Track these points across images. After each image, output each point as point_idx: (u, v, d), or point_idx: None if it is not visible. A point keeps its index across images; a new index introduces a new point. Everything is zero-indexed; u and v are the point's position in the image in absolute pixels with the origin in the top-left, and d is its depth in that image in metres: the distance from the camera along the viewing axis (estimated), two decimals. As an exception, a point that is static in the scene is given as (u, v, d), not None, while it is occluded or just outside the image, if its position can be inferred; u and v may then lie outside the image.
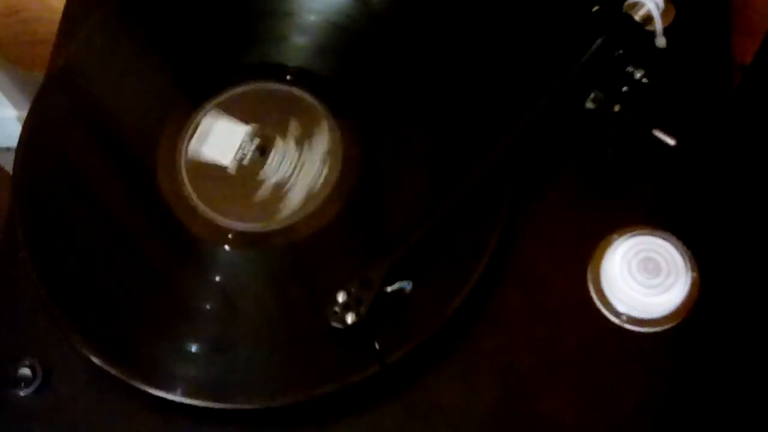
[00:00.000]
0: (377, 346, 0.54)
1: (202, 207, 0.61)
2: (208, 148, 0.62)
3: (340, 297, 0.54)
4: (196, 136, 0.63)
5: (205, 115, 0.63)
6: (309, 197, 0.60)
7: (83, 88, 0.66)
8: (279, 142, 0.61)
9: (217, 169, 0.61)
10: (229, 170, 0.61)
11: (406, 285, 0.55)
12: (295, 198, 0.60)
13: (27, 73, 0.93)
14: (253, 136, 0.62)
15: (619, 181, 0.61)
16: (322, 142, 0.61)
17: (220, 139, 0.62)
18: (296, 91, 0.63)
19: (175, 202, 0.61)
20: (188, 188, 0.61)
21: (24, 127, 0.64)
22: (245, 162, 0.61)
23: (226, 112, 0.63)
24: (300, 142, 0.61)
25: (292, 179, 0.60)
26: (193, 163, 0.61)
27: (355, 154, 0.61)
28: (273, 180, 0.61)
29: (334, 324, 0.54)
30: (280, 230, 0.60)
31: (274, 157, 0.61)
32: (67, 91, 0.66)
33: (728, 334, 0.57)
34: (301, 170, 0.60)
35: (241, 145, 0.62)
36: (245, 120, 0.63)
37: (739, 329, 0.57)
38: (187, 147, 0.62)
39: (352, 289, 0.54)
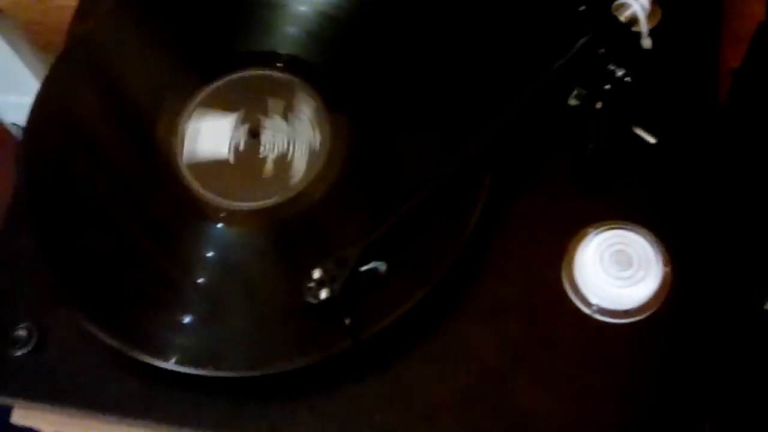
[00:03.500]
0: (347, 322, 0.56)
1: (201, 190, 0.63)
2: (202, 147, 0.64)
3: (316, 273, 0.56)
4: (187, 140, 0.65)
5: (189, 118, 0.66)
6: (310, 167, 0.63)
7: (91, 65, 0.70)
8: (266, 121, 0.64)
9: (217, 164, 0.64)
10: (229, 161, 0.64)
11: (381, 266, 0.57)
12: (299, 161, 0.63)
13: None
14: (240, 122, 0.64)
15: (599, 177, 0.62)
16: (305, 109, 0.64)
17: (210, 135, 0.65)
18: (270, 72, 0.66)
19: (175, 180, 0.64)
20: (185, 171, 0.64)
21: (35, 102, 0.67)
22: (241, 148, 0.64)
23: (209, 107, 0.66)
24: (285, 116, 0.64)
25: (291, 149, 0.63)
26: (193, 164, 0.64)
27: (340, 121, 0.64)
28: (273, 156, 0.63)
29: (309, 299, 0.56)
30: (271, 210, 0.62)
31: (266, 136, 0.64)
32: (76, 67, 0.69)
33: (700, 327, 0.58)
34: (296, 139, 0.63)
35: (232, 134, 0.64)
36: (229, 110, 0.65)
37: (711, 323, 0.58)
38: (182, 152, 0.65)
39: (328, 267, 0.56)
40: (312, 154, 0.63)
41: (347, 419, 0.58)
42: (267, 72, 0.66)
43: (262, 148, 0.64)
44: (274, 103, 0.64)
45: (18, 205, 0.67)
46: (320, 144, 0.63)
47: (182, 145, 0.65)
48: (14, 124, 1.13)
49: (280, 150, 0.63)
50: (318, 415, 0.58)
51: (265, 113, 0.64)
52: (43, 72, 0.71)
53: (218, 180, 0.63)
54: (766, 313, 0.54)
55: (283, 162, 0.63)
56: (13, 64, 1.08)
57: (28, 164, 0.66)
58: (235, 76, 0.67)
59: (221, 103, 0.66)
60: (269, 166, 0.63)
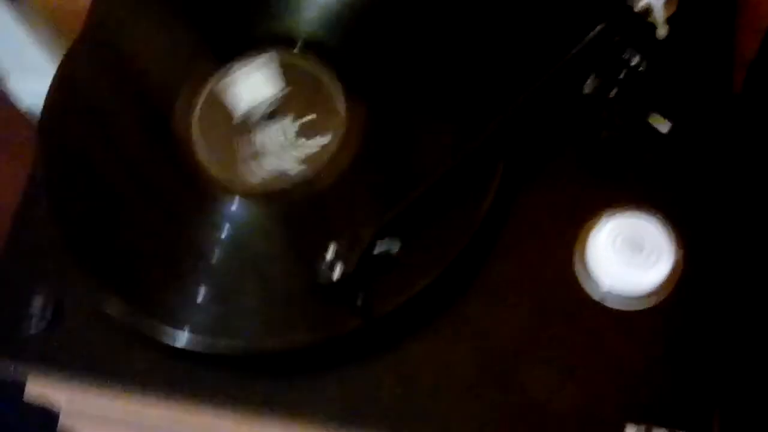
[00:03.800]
0: (359, 301, 0.56)
1: (214, 166, 0.64)
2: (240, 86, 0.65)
3: (329, 252, 0.57)
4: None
5: (206, 98, 0.67)
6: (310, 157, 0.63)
7: (108, 47, 0.70)
8: (284, 104, 0.64)
9: (227, 117, 0.65)
10: (236, 115, 0.65)
11: (394, 246, 0.58)
12: (264, 167, 0.63)
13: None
14: (277, 99, 0.65)
15: (612, 164, 0.63)
16: (323, 92, 0.65)
17: (253, 85, 0.66)
18: (288, 55, 0.67)
19: (191, 158, 0.64)
20: (201, 148, 0.64)
21: (53, 80, 0.68)
22: (258, 127, 0.64)
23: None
24: (303, 98, 0.65)
25: (307, 132, 0.64)
26: (212, 105, 0.65)
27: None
28: (289, 138, 0.64)
29: (321, 277, 0.56)
30: (287, 188, 0.63)
31: (283, 119, 0.65)
32: (94, 48, 0.70)
33: (711, 314, 0.58)
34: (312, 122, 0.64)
35: (262, 101, 0.65)
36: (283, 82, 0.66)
37: (722, 310, 0.58)
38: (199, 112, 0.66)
39: (340, 246, 0.57)
40: (327, 137, 0.63)
41: (355, 396, 0.59)
42: (285, 54, 0.67)
43: (278, 130, 0.64)
44: (292, 86, 0.65)
45: (35, 183, 0.68)
46: (336, 128, 0.63)
47: (200, 119, 0.65)
48: (31, 109, 1.14)
49: (296, 132, 0.64)
50: (327, 392, 0.59)
51: (283, 96, 0.65)
52: (61, 56, 0.72)
53: (233, 159, 0.63)
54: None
55: (298, 144, 0.63)
56: (31, 49, 1.09)
57: (46, 141, 0.67)
58: (255, 57, 0.67)
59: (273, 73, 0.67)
60: (284, 148, 0.63)
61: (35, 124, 0.69)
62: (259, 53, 0.67)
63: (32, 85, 1.05)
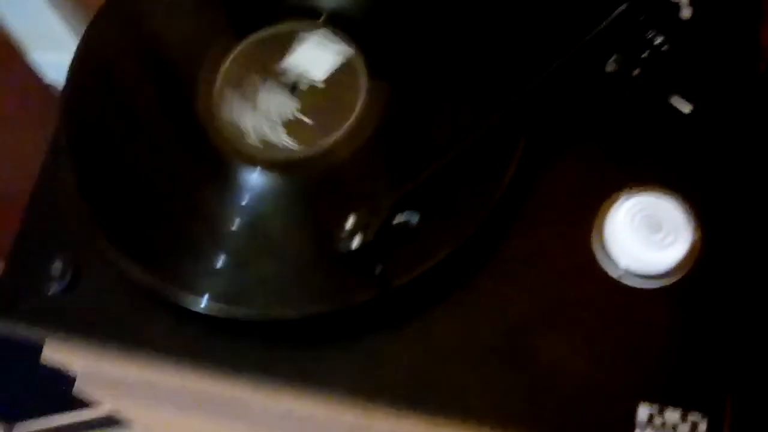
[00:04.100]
0: (378, 271, 0.57)
1: (234, 135, 0.64)
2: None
3: (349, 221, 0.57)
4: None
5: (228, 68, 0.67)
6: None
7: (132, 16, 0.71)
8: (306, 76, 0.65)
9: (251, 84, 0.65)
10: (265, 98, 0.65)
11: (414, 217, 0.58)
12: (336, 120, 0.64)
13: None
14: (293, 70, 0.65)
15: (633, 143, 0.63)
16: (344, 62, 0.65)
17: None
18: (311, 27, 0.67)
19: (212, 127, 0.65)
20: (224, 116, 0.65)
21: (77, 50, 0.69)
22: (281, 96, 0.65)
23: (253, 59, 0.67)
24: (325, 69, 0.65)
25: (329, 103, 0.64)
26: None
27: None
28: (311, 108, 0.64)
29: (341, 246, 0.57)
30: (309, 158, 0.63)
31: (306, 90, 0.65)
32: (117, 18, 0.71)
33: (727, 296, 0.58)
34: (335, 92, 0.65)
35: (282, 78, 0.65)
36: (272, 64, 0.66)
37: (738, 293, 0.58)
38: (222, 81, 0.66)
39: (361, 215, 0.57)
40: (349, 108, 0.63)
41: (373, 366, 0.59)
42: (308, 27, 0.67)
43: (300, 100, 0.64)
44: (315, 57, 0.65)
45: (58, 149, 0.68)
46: (358, 99, 0.64)
47: (222, 90, 0.65)
48: (54, 81, 1.15)
49: (318, 103, 0.64)
50: (345, 361, 0.59)
51: (305, 68, 0.65)
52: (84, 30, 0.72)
53: (255, 129, 0.64)
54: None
55: (320, 115, 0.64)
56: (54, 22, 1.10)
57: (69, 111, 0.67)
58: (277, 29, 0.68)
59: (262, 57, 0.67)
60: (306, 118, 0.64)
61: (58, 95, 0.69)
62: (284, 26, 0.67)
63: (55, 57, 1.06)
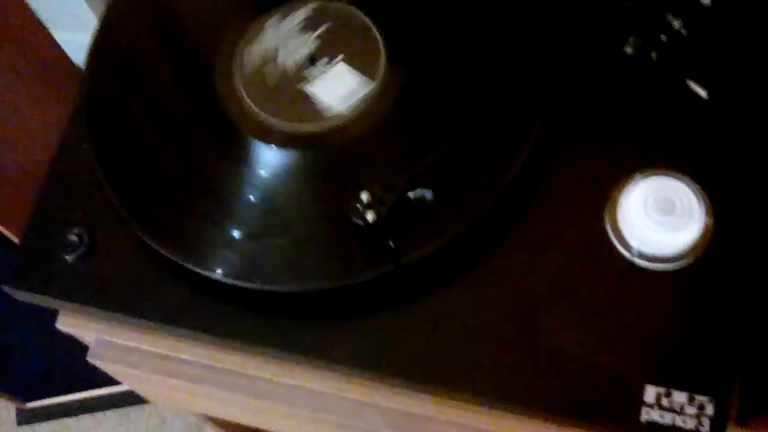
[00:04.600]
0: (392, 245, 0.57)
1: (253, 108, 0.65)
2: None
3: (364, 196, 0.57)
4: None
5: (248, 43, 0.67)
6: (350, 103, 0.64)
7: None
8: (326, 50, 0.65)
9: (271, 82, 0.65)
10: (283, 71, 0.66)
11: (428, 193, 0.59)
12: (353, 96, 0.64)
13: None
14: (312, 43, 0.66)
15: (649, 126, 0.63)
16: (363, 41, 0.66)
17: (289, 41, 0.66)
18: (332, 5, 0.68)
19: (229, 102, 0.65)
20: (243, 92, 0.65)
21: (99, 27, 0.70)
22: (298, 69, 0.65)
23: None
24: (344, 47, 0.66)
25: (346, 78, 0.64)
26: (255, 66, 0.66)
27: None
28: (328, 83, 0.65)
29: (355, 220, 0.57)
30: (325, 133, 0.63)
31: (324, 65, 0.65)
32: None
33: (737, 281, 0.58)
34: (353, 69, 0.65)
35: (294, 50, 0.66)
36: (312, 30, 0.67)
37: (748, 278, 0.58)
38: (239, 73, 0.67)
39: (376, 190, 0.57)
40: (366, 84, 0.64)
41: (382, 342, 0.59)
42: (328, 4, 0.68)
43: (319, 74, 0.65)
44: (335, 35, 0.66)
45: (78, 121, 0.69)
46: (376, 75, 0.64)
47: (240, 65, 0.66)
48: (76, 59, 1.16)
49: (336, 78, 0.64)
50: (354, 336, 0.60)
51: (326, 42, 0.66)
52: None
53: (272, 102, 0.64)
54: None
55: (337, 90, 0.64)
56: (79, 3, 1.11)
57: (89, 86, 0.68)
58: (299, 6, 0.68)
59: (282, 36, 0.67)
60: (322, 93, 0.64)
61: (81, 74, 0.70)
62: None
63: (78, 37, 1.07)
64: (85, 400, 1.38)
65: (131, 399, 1.38)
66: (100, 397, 1.38)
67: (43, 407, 1.42)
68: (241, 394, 0.68)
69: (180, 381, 0.69)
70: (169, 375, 0.69)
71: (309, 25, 0.67)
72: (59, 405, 1.40)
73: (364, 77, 0.64)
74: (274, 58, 0.66)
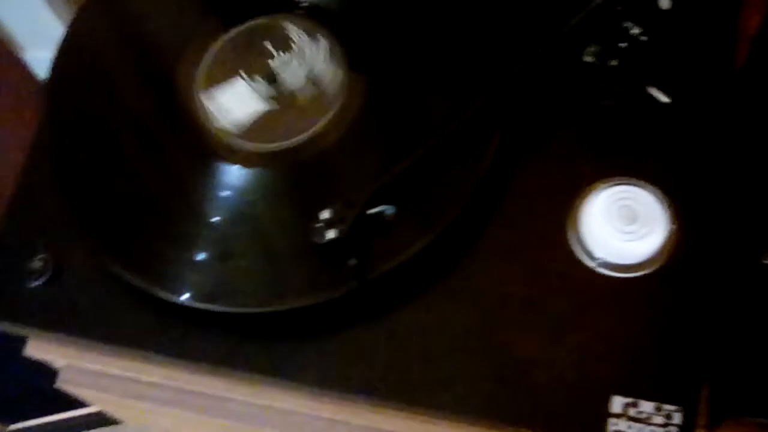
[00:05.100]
0: (353, 264, 0.57)
1: (216, 128, 0.64)
2: (236, 113, 0.65)
3: (324, 214, 0.57)
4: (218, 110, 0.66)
5: (209, 62, 0.67)
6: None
7: (115, 10, 0.71)
8: (284, 68, 0.65)
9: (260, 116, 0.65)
10: (265, 108, 0.65)
11: (389, 210, 0.58)
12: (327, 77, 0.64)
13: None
14: (250, 78, 0.66)
15: (610, 134, 0.63)
16: (323, 54, 0.65)
17: (236, 100, 0.66)
18: (291, 19, 0.67)
19: (191, 122, 0.65)
20: (204, 112, 0.65)
21: (60, 46, 0.69)
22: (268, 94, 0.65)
23: (225, 62, 0.67)
24: (304, 62, 0.65)
25: (307, 95, 0.64)
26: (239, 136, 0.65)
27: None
28: (290, 101, 0.64)
29: (316, 239, 0.57)
30: (286, 152, 0.63)
31: (285, 80, 0.65)
32: (100, 11, 0.71)
33: (702, 287, 0.58)
34: (313, 85, 0.64)
35: (253, 89, 0.65)
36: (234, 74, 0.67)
37: (713, 283, 0.58)
38: (200, 95, 0.66)
39: (336, 208, 0.57)
40: (327, 100, 0.64)
41: (350, 359, 0.59)
42: (288, 18, 0.67)
43: (280, 93, 0.65)
44: (295, 50, 0.66)
45: (41, 144, 0.69)
46: (336, 91, 0.64)
47: (202, 88, 0.66)
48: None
49: (297, 96, 0.64)
50: (320, 355, 0.59)
51: (284, 60, 0.65)
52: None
53: (239, 122, 0.64)
54: (765, 267, 0.54)
55: (298, 107, 0.64)
56: (51, 21, 1.11)
57: (51, 103, 0.68)
58: (257, 21, 0.68)
59: (241, 50, 0.67)
60: (286, 110, 0.64)
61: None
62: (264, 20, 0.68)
63: (50, 56, 1.06)
64: (66, 421, 1.37)
65: (108, 421, 1.37)
66: (82, 418, 1.37)
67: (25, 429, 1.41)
68: (212, 416, 0.67)
69: (151, 404, 0.68)
70: (140, 398, 0.68)
71: (270, 40, 0.66)
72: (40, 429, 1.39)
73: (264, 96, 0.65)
74: (235, 76, 0.66)
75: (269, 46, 0.66)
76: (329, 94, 0.64)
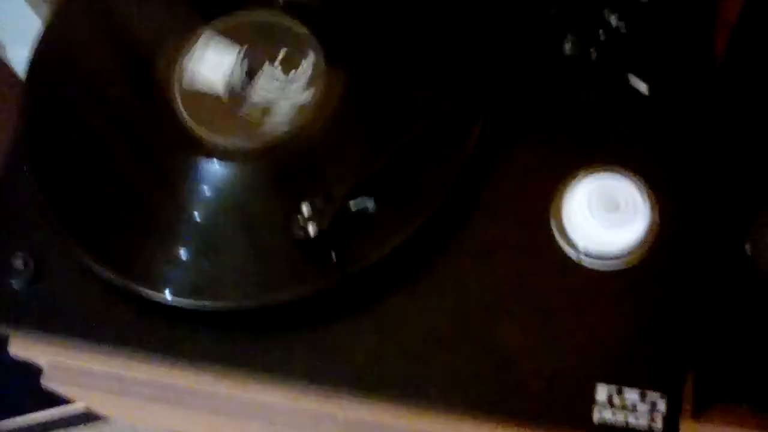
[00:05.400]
0: (334, 258, 0.57)
1: (194, 125, 0.64)
2: (202, 71, 0.65)
3: (304, 209, 0.57)
4: (191, 59, 0.66)
5: (189, 57, 0.66)
6: (294, 115, 0.63)
7: (94, 7, 0.71)
8: (266, 67, 0.64)
9: (213, 98, 0.65)
10: (221, 93, 0.65)
11: (370, 202, 0.58)
12: (280, 116, 0.63)
13: None
14: (243, 59, 0.65)
15: (590, 124, 0.62)
16: (302, 51, 0.65)
17: (211, 66, 0.65)
18: (270, 15, 0.67)
19: (169, 118, 0.65)
20: (181, 107, 0.65)
21: (37, 44, 0.69)
22: (235, 84, 0.65)
23: (220, 35, 0.66)
24: (282, 57, 0.65)
25: (277, 99, 0.63)
26: (188, 87, 0.65)
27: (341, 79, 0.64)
28: (258, 100, 0.64)
29: (295, 233, 0.57)
30: (266, 147, 0.63)
31: (260, 80, 0.64)
32: (79, 9, 0.71)
33: (685, 275, 0.58)
34: (287, 91, 0.64)
35: (232, 68, 0.65)
36: (237, 44, 0.66)
37: (696, 271, 0.58)
38: (181, 70, 0.66)
39: (316, 202, 0.57)
40: (309, 95, 0.63)
41: (334, 353, 0.59)
42: (268, 14, 0.67)
43: (257, 87, 0.64)
44: (273, 46, 0.65)
45: (20, 143, 0.68)
46: (317, 86, 0.64)
47: (180, 82, 0.65)
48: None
49: (276, 90, 0.64)
50: (304, 349, 0.59)
51: (264, 54, 0.65)
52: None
53: (214, 117, 0.64)
54: (747, 256, 0.54)
55: (278, 102, 0.63)
56: (28, 19, 1.10)
57: (29, 101, 0.67)
58: (236, 16, 0.67)
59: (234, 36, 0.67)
60: (264, 105, 0.64)
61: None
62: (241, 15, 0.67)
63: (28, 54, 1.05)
64: (55, 419, 1.37)
65: (97, 418, 1.37)
66: (71, 416, 1.37)
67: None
68: (197, 411, 0.67)
69: (136, 400, 0.68)
70: (124, 395, 0.68)
71: (247, 36, 0.66)
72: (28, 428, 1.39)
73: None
74: (215, 66, 0.65)
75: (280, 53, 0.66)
76: (308, 92, 0.63)
